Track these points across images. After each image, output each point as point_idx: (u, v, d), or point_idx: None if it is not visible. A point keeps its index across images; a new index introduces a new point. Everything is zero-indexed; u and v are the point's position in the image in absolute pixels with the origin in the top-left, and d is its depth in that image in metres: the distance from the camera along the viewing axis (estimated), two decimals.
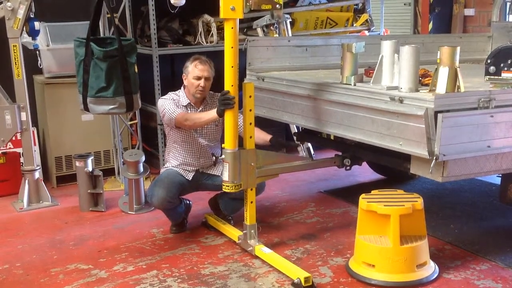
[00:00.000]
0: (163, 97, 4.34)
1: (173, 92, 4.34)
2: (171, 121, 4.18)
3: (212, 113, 3.93)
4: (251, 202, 3.92)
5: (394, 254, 3.51)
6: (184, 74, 4.28)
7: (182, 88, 4.34)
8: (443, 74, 3.22)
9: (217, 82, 4.33)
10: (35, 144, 5.43)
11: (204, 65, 4.20)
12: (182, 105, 4.27)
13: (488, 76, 3.58)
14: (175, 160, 4.36)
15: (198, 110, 4.30)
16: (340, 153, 4.58)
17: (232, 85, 3.66)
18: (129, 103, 4.41)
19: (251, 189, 3.90)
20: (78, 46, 4.34)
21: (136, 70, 4.43)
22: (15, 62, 4.96)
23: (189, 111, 4.27)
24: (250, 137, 3.81)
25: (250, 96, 3.76)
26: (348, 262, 3.80)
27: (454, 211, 4.77)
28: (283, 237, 4.33)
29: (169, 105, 4.20)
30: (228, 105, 3.68)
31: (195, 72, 4.20)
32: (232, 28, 3.54)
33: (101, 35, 5.22)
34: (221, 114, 3.80)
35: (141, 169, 4.93)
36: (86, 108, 4.46)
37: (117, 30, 4.37)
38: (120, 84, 4.32)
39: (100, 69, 4.27)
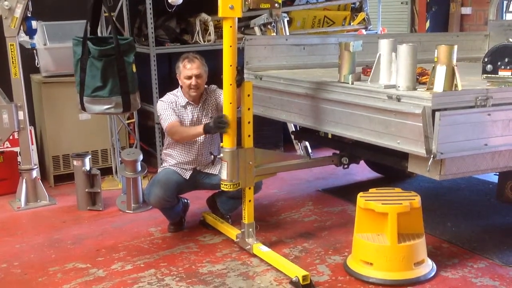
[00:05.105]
0: (161, 99, 4.32)
1: (171, 93, 4.34)
2: (163, 128, 4.24)
3: (200, 129, 3.98)
4: (249, 201, 3.93)
5: (391, 252, 3.52)
6: (177, 74, 4.29)
7: (179, 87, 4.34)
8: (441, 72, 3.23)
9: (215, 81, 4.33)
10: (32, 143, 5.42)
11: (193, 63, 4.19)
12: (181, 105, 4.26)
13: (485, 75, 3.58)
14: (172, 159, 4.35)
15: (198, 107, 4.30)
16: (337, 152, 4.60)
17: (230, 84, 3.66)
18: (126, 103, 4.39)
19: (249, 188, 3.91)
20: (76, 45, 4.33)
21: (134, 69, 4.42)
22: (13, 61, 4.95)
23: (189, 110, 4.27)
24: (249, 135, 3.82)
25: (248, 95, 3.77)
26: (346, 260, 3.81)
27: (451, 209, 4.78)
28: (281, 236, 4.33)
29: (165, 110, 4.21)
30: (222, 129, 3.74)
31: (185, 72, 4.20)
32: (230, 26, 3.54)
33: (100, 34, 5.22)
34: (208, 131, 3.89)
35: (139, 168, 4.93)
36: (83, 108, 4.45)
37: (115, 29, 4.35)
38: (116, 84, 4.30)
39: (96, 68, 4.26)
